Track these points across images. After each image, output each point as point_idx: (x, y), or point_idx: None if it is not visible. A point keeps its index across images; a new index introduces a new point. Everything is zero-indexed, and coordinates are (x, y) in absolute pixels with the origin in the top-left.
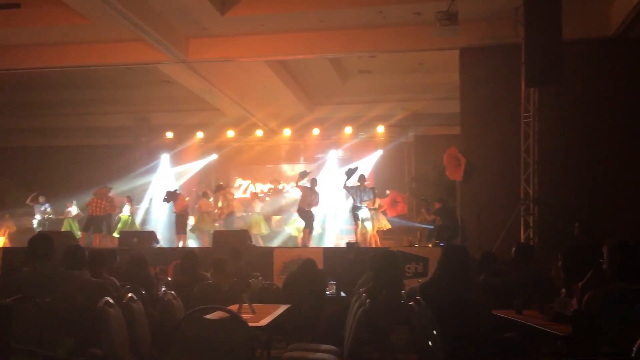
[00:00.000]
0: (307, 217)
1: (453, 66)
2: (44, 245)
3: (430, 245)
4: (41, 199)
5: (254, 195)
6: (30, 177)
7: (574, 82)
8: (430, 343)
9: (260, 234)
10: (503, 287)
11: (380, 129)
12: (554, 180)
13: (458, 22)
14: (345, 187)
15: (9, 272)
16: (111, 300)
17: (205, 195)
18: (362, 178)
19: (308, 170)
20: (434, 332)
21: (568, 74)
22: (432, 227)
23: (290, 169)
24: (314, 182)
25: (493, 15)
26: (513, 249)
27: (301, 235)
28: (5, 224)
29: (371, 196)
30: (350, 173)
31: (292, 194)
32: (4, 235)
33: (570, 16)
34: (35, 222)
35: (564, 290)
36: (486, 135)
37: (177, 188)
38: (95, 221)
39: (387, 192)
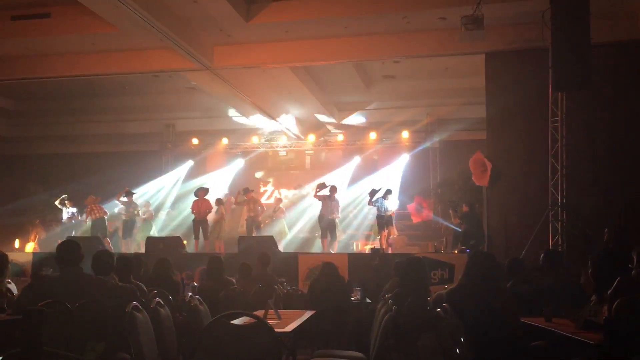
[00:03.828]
0: (329, 226)
1: (479, 71)
2: (72, 251)
3: (456, 251)
4: (68, 203)
5: (278, 200)
6: (59, 183)
7: (602, 86)
8: (457, 350)
9: (285, 238)
10: (531, 294)
11: (405, 134)
12: (582, 185)
13: (484, 26)
14: (370, 203)
15: (36, 277)
16: (139, 306)
17: (219, 202)
18: (388, 192)
19: (327, 184)
20: (462, 339)
21: (596, 77)
22: (459, 229)
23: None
24: (333, 189)
25: (519, 19)
26: (541, 256)
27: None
28: (35, 229)
29: (397, 206)
30: (373, 193)
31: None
32: (34, 240)
33: (599, 19)
34: (61, 227)
35: (594, 297)
36: (513, 140)
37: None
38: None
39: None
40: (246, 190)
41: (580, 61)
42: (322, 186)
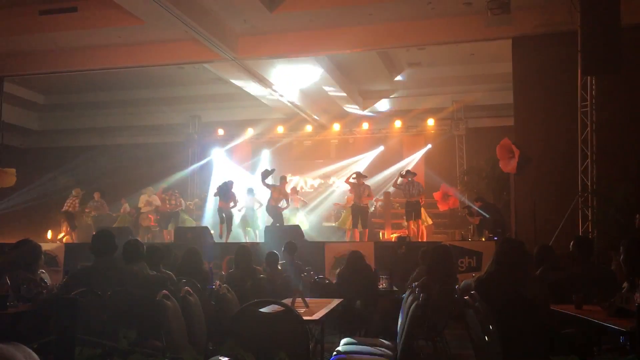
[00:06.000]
0: (361, 213)
1: (505, 56)
2: (107, 241)
3: (483, 239)
4: (96, 195)
5: (294, 191)
6: (88, 175)
7: (633, 69)
8: (486, 338)
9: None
10: (561, 282)
11: (431, 122)
12: (613, 171)
13: (510, 10)
14: (395, 184)
15: (70, 268)
16: (169, 294)
17: (251, 192)
18: (410, 173)
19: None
20: (490, 327)
21: (627, 61)
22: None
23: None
24: (359, 176)
25: (546, 2)
26: (572, 243)
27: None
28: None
29: (421, 190)
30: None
31: (341, 188)
32: (65, 231)
33: (629, 0)
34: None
35: (625, 284)
36: (541, 126)
37: (230, 184)
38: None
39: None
40: (281, 179)
41: (610, 44)
42: (360, 175)
